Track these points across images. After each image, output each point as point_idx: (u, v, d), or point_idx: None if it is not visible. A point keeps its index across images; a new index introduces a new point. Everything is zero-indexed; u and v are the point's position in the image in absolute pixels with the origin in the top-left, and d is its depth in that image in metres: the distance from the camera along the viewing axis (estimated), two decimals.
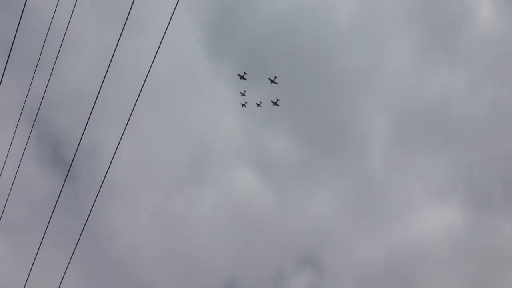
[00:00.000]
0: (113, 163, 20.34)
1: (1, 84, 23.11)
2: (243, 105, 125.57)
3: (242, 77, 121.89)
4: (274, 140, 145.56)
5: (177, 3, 19.53)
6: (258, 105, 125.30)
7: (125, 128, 20.16)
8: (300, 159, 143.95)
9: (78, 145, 20.67)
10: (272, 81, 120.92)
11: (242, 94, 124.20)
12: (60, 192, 17.84)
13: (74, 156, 20.95)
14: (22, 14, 21.15)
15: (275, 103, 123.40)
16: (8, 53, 21.87)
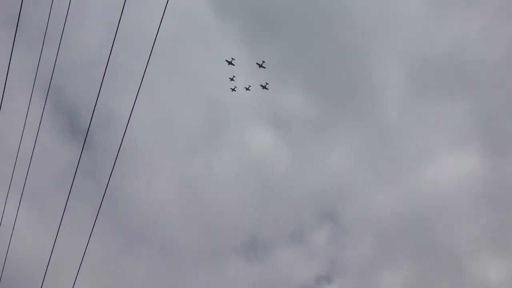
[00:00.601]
0: (129, 128, 20.43)
1: (12, 56, 23.10)
2: (233, 89, 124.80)
3: (230, 63, 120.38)
4: (288, 97, 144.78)
5: None
6: (247, 89, 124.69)
7: (138, 92, 20.13)
8: (315, 114, 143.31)
9: (93, 112, 20.75)
10: (260, 66, 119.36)
11: (231, 79, 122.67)
12: (79, 158, 18.03)
13: (90, 122, 21.09)
14: None
15: (264, 87, 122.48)
16: (16, 24, 21.77)
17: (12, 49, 22.72)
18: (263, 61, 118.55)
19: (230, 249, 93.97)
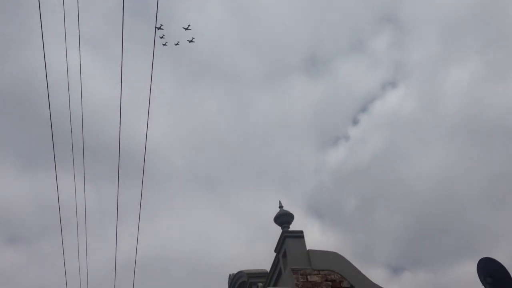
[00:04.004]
0: None
1: None
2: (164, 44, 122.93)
3: (159, 28, 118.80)
4: None
5: None
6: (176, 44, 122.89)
7: None
8: None
9: None
10: (186, 29, 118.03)
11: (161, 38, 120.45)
12: None
13: None
14: None
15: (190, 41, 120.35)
16: None
17: None
18: (189, 25, 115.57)
19: (292, 69, 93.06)
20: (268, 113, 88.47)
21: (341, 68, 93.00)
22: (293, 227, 13.45)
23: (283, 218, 13.54)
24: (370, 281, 12.31)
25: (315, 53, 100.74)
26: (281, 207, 14.02)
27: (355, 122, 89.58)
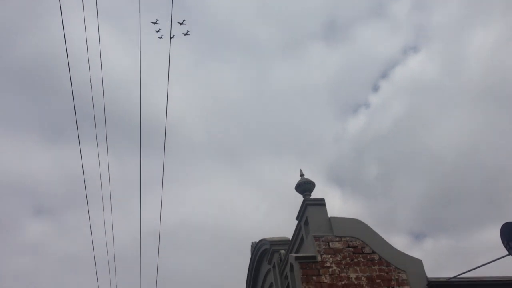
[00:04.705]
0: None
1: None
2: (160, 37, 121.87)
3: (155, 23, 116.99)
4: None
5: None
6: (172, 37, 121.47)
7: None
8: None
9: None
10: (181, 24, 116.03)
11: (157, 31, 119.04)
12: None
13: None
14: None
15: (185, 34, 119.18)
16: None
17: None
18: (184, 19, 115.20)
19: (310, 36, 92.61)
20: (287, 82, 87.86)
21: (361, 33, 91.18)
22: (314, 195, 13.53)
23: (305, 186, 13.62)
24: (392, 247, 12.39)
25: (334, 19, 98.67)
26: (302, 175, 14.08)
27: (375, 89, 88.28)
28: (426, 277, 11.84)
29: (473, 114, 66.36)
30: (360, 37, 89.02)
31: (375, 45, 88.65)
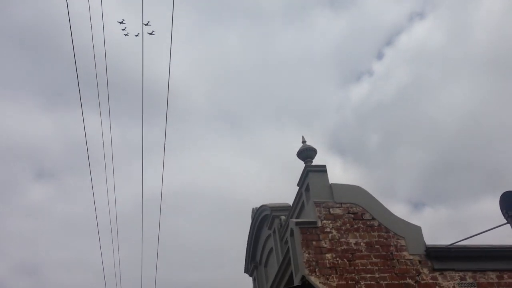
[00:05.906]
0: None
1: None
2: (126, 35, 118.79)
3: (121, 22, 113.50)
4: None
5: None
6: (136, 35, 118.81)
7: None
8: None
9: None
10: (146, 24, 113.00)
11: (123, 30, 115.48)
12: None
13: None
14: None
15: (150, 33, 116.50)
16: None
17: None
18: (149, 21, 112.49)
19: (314, 1, 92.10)
20: (290, 48, 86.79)
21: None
22: (316, 163, 13.56)
23: (306, 153, 13.65)
24: (392, 214, 12.50)
25: None
26: (304, 142, 14.10)
27: (379, 56, 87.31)
28: (425, 243, 11.99)
29: (478, 83, 65.78)
30: (365, 2, 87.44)
31: (381, 11, 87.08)
